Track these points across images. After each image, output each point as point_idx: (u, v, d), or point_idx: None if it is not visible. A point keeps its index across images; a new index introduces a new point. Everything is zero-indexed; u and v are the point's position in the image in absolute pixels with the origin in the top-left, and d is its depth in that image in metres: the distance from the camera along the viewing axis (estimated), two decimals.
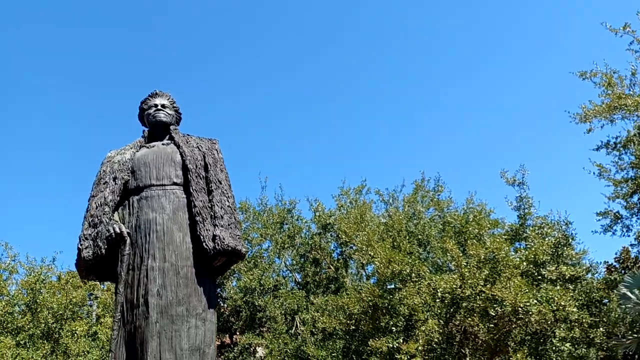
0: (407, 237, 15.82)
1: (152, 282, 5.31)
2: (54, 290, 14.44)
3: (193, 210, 5.70)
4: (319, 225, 21.60)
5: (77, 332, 13.53)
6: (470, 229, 14.85)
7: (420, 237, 16.51)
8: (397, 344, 12.57)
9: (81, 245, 5.46)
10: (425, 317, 12.82)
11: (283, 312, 19.13)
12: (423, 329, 12.59)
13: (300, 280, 21.90)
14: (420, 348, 12.40)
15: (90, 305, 15.30)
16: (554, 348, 11.44)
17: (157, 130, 6.42)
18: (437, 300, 13.08)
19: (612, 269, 21.39)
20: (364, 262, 16.68)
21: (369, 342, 12.64)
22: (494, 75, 57.59)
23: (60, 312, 13.87)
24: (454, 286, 12.66)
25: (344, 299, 14.09)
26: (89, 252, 5.42)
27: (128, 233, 5.50)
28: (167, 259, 5.44)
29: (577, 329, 11.68)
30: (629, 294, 21.60)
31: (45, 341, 13.41)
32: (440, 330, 12.71)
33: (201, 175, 5.96)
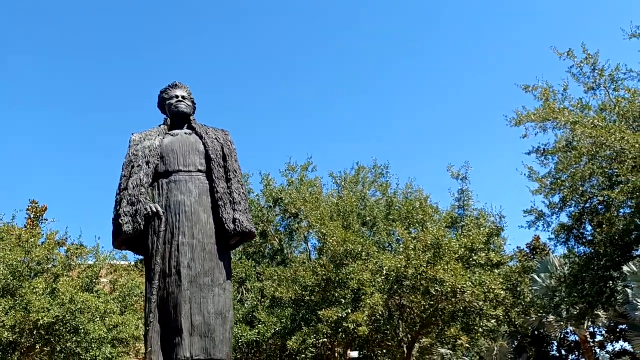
0: (356, 218, 17.22)
1: (183, 255, 6.22)
2: (11, 246, 14.65)
3: (215, 195, 6.62)
4: (269, 199, 22.60)
5: (37, 288, 13.90)
6: (414, 214, 16.46)
7: (368, 218, 17.97)
8: (345, 314, 14.02)
9: (121, 220, 6.25)
10: (372, 291, 14.32)
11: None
12: (368, 301, 14.10)
13: (247, 250, 22.90)
14: (365, 318, 13.92)
15: (51, 265, 15.60)
16: (481, 324, 13.31)
17: (177, 120, 7.20)
18: (382, 276, 14.61)
19: (524, 254, 23.97)
20: (316, 238, 17.93)
21: (321, 312, 13.97)
22: (451, 79, 60.52)
23: (19, 268, 14.16)
24: (399, 265, 14.22)
25: (300, 271, 15.32)
26: (129, 226, 6.23)
27: (163, 212, 6.34)
28: (195, 236, 6.36)
29: (500, 308, 13.59)
30: (536, 277, 24.52)
31: (3, 297, 13.71)
32: (383, 304, 14.27)
33: (221, 164, 6.87)
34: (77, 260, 16.19)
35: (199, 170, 6.75)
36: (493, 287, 12.87)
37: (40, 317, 13.25)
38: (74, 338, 13.87)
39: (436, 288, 12.89)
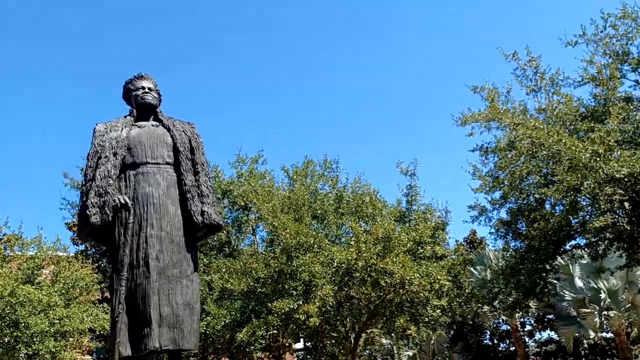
0: (308, 211, 17.49)
1: (152, 247, 6.25)
2: None
3: (183, 188, 6.67)
4: (218, 190, 22.44)
5: None
6: (364, 208, 16.92)
7: (319, 212, 18.28)
8: (296, 305, 14.27)
9: (89, 211, 6.18)
10: (322, 283, 14.65)
11: None
12: (319, 293, 14.42)
13: None
14: (316, 310, 14.23)
15: None
16: (427, 314, 13.94)
17: (144, 111, 7.16)
18: (333, 269, 14.97)
19: (462, 247, 24.98)
20: (266, 231, 18.06)
21: (274, 303, 14.16)
22: (403, 79, 61.80)
23: None
24: (349, 258, 14.62)
25: (253, 263, 15.42)
26: (97, 218, 6.18)
27: (131, 204, 6.33)
28: (164, 228, 6.39)
29: (444, 299, 14.28)
30: (473, 270, 25.71)
31: None
32: (334, 295, 14.64)
33: (189, 157, 6.92)
34: (17, 251, 15.53)
35: (167, 163, 6.76)
36: (439, 278, 13.50)
37: None
38: (15, 333, 13.35)
39: (386, 280, 13.37)
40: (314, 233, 15.26)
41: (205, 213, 6.58)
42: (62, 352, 14.00)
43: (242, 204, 20.93)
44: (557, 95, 16.11)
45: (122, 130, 6.80)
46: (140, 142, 6.74)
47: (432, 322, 14.37)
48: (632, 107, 14.92)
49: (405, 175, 17.67)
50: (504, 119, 15.20)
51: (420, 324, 14.14)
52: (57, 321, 14.08)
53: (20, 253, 15.64)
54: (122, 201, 6.26)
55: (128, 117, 7.10)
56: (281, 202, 17.39)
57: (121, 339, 5.91)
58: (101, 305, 16.91)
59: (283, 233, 15.23)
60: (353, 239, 14.47)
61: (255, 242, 22.19)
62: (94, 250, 24.43)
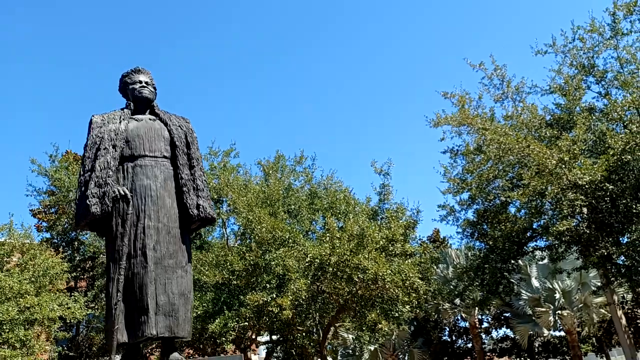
0: (282, 206, 17.75)
1: (149, 237, 6.44)
2: None
3: (180, 181, 6.88)
4: None
5: None
6: (338, 205, 17.30)
7: (293, 207, 18.57)
8: (270, 298, 14.56)
9: (89, 201, 6.31)
10: (296, 277, 14.96)
11: None
12: (293, 287, 14.73)
13: None
14: (289, 303, 14.54)
15: None
16: (397, 309, 14.44)
17: (140, 105, 7.30)
18: (307, 263, 15.29)
19: (425, 245, 25.77)
20: (238, 224, 18.22)
21: (248, 296, 14.40)
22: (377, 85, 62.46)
23: None
24: (323, 253, 14.96)
25: (228, 256, 15.59)
26: (97, 208, 6.32)
27: (131, 195, 6.49)
28: (161, 220, 6.58)
29: (413, 295, 14.81)
30: (436, 268, 26.50)
31: None
32: (307, 289, 14.97)
33: (185, 152, 7.12)
34: None
35: (164, 157, 6.94)
36: (411, 275, 14.01)
37: None
38: None
39: (359, 275, 13.78)
40: (289, 228, 15.54)
41: (201, 206, 6.81)
42: (32, 340, 13.89)
43: (214, 196, 21.01)
44: (522, 103, 16.89)
45: (120, 122, 6.94)
46: (139, 135, 6.89)
47: (401, 318, 14.89)
48: (594, 117, 15.81)
49: (379, 175, 18.15)
50: (474, 123, 15.85)
51: (391, 319, 14.64)
52: (27, 309, 13.95)
53: None
54: (122, 192, 6.42)
55: (125, 110, 7.22)
56: (256, 196, 17.60)
57: (119, 325, 6.08)
58: (70, 294, 16.77)
59: (258, 227, 15.46)
60: (328, 234, 14.82)
61: (226, 235, 22.31)
62: (58, 238, 24.10)
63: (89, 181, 6.47)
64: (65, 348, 19.80)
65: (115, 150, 6.68)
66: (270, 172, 20.21)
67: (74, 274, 21.89)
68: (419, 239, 20.97)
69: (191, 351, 20.27)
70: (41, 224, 24.68)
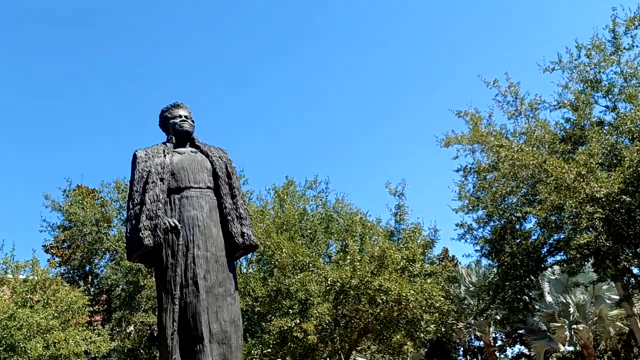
0: (298, 231, 17.89)
1: (199, 267, 6.58)
2: None
3: (224, 210, 7.05)
4: None
5: None
6: (353, 227, 17.44)
7: (309, 231, 18.70)
8: (294, 324, 14.59)
9: (142, 234, 6.47)
10: (318, 301, 15.01)
11: None
12: (316, 311, 14.77)
13: None
14: (312, 328, 14.57)
15: None
16: (422, 329, 14.47)
17: (181, 138, 7.51)
18: (327, 287, 15.36)
19: (444, 264, 25.80)
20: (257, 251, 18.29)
21: (273, 322, 14.43)
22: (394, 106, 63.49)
23: None
24: (344, 276, 15.05)
25: (251, 282, 15.67)
26: (149, 240, 6.47)
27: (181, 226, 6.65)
28: (209, 249, 6.74)
29: (436, 314, 14.85)
30: (446, 286, 26.44)
31: None
32: (329, 313, 15.02)
33: (226, 182, 7.31)
34: (8, 275, 15.34)
35: (208, 187, 7.13)
36: (434, 294, 14.09)
37: None
38: (15, 357, 13.16)
39: (382, 297, 13.86)
40: (308, 252, 15.66)
41: (245, 234, 6.97)
42: None
43: None
44: (534, 119, 17.18)
45: (164, 156, 7.14)
46: (184, 168, 7.09)
47: (425, 338, 14.91)
48: (604, 131, 16.09)
49: (393, 196, 18.36)
50: (487, 141, 16.11)
51: (416, 340, 14.66)
52: (54, 345, 13.96)
53: (11, 276, 15.43)
54: (172, 224, 6.58)
55: (168, 144, 7.42)
56: (272, 222, 17.75)
57: (176, 355, 6.18)
58: (92, 328, 16.80)
59: (278, 252, 15.57)
60: (348, 257, 14.93)
61: (239, 262, 22.36)
62: (73, 273, 24.14)
63: (139, 214, 6.63)
64: None
65: (163, 183, 6.87)
66: (286, 197, 20.40)
67: (90, 308, 21.88)
68: (436, 258, 21.08)
69: None
70: (54, 258, 24.73)
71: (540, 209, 14.06)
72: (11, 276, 15.52)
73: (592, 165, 13.34)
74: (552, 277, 27.00)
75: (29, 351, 13.21)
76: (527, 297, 16.49)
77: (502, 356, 37.09)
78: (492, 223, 17.07)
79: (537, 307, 26.67)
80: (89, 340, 15.23)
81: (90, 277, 23.64)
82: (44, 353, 13.68)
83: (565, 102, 16.75)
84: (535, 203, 15.43)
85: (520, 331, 32.76)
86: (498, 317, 17.95)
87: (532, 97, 17.39)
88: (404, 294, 13.51)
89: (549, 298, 27.34)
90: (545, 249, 16.79)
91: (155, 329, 19.50)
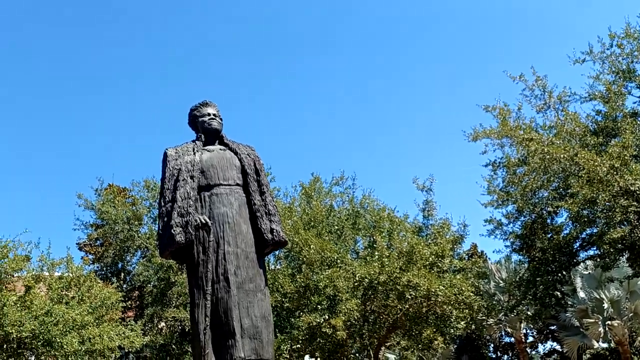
0: (326, 227, 17.95)
1: (230, 263, 6.67)
2: None
3: (253, 207, 7.13)
4: None
5: (7, 302, 13.51)
6: (381, 223, 17.41)
7: (336, 227, 18.73)
8: (323, 320, 14.67)
9: (174, 231, 6.60)
10: (346, 297, 15.05)
11: None
12: (344, 307, 14.82)
13: None
14: (341, 323, 14.62)
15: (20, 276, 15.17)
16: (452, 325, 14.38)
17: (210, 136, 7.61)
18: (355, 283, 15.38)
19: (474, 260, 25.53)
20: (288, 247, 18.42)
21: (302, 317, 14.53)
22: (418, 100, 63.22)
23: None
24: (372, 272, 15.04)
25: (280, 278, 15.80)
26: (181, 237, 6.60)
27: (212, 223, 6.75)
28: (239, 245, 6.82)
29: (466, 311, 14.73)
30: (475, 283, 26.19)
31: None
32: (358, 309, 15.04)
33: (255, 179, 7.38)
34: (44, 272, 15.82)
35: (237, 184, 7.21)
36: (463, 289, 13.98)
37: (14, 332, 12.91)
38: (52, 352, 13.59)
39: (411, 292, 13.81)
40: (336, 248, 15.70)
41: (275, 230, 7.04)
42: None
43: None
44: (564, 112, 16.82)
45: (194, 154, 7.25)
46: (213, 165, 7.18)
47: (455, 334, 14.80)
48: (638, 122, 15.66)
49: (421, 191, 18.24)
50: (516, 135, 15.86)
51: (446, 336, 14.58)
52: (89, 340, 14.34)
53: (47, 273, 15.91)
54: (203, 221, 6.69)
55: (197, 142, 7.53)
56: (300, 219, 17.83)
57: (208, 350, 6.29)
58: (125, 323, 17.20)
59: (306, 249, 15.65)
60: (377, 253, 14.91)
61: (267, 258, 22.53)
62: (106, 270, 24.71)
63: (171, 212, 6.75)
64: None
65: (193, 181, 6.98)
66: (312, 193, 20.47)
67: (123, 304, 22.39)
68: (465, 253, 20.87)
69: None
70: (87, 256, 25.35)
71: (572, 202, 13.78)
72: (47, 273, 15.99)
73: (625, 157, 13.01)
74: (585, 273, 26.44)
75: (65, 346, 13.60)
76: (559, 293, 16.21)
77: (533, 353, 36.53)
78: (522, 218, 16.80)
79: (569, 302, 26.17)
80: (123, 335, 15.60)
81: (122, 274, 24.16)
82: (80, 348, 14.05)
83: (596, 93, 16.35)
84: (566, 197, 15.14)
85: (552, 327, 32.19)
86: (529, 313, 17.70)
87: (561, 89, 17.02)
88: (433, 290, 13.44)
89: (581, 294, 26.78)
90: (577, 244, 16.47)
91: (187, 324, 19.85)
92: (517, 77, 16.72)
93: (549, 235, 16.22)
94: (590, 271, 25.89)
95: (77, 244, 26.26)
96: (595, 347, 29.58)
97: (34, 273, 15.38)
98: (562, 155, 14.23)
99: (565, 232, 15.91)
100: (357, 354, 17.13)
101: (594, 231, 14.89)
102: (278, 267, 20.82)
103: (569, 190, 14.73)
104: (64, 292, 15.53)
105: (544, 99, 16.84)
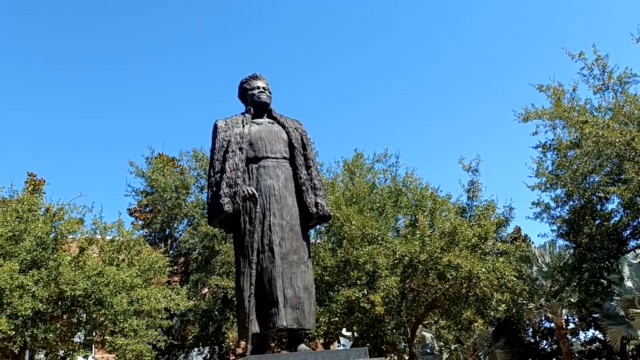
0: (367, 204, 17.99)
1: (275, 234, 6.83)
2: (38, 219, 14.97)
3: (299, 181, 7.24)
4: None
5: (62, 261, 14.25)
6: (424, 202, 17.30)
7: (378, 205, 18.74)
8: (361, 295, 14.84)
9: (222, 200, 6.80)
10: (386, 274, 15.14)
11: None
12: (383, 284, 14.92)
13: None
14: (380, 299, 14.75)
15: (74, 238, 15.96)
16: (493, 307, 14.28)
17: (259, 109, 7.72)
18: (395, 260, 15.43)
19: (518, 244, 25.05)
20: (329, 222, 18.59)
21: (341, 292, 14.74)
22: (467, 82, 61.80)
23: (47, 241, 14.50)
24: (412, 251, 15.04)
25: (321, 252, 16.02)
26: (229, 207, 6.79)
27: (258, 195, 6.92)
28: (284, 218, 6.97)
29: (507, 294, 14.58)
30: (518, 267, 25.71)
31: (32, 269, 14.05)
32: (397, 286, 15.12)
33: (302, 153, 7.47)
34: (97, 235, 16.58)
35: (284, 158, 7.32)
36: (506, 273, 13.82)
37: (68, 290, 13.65)
38: (102, 310, 14.34)
39: (452, 273, 13.76)
40: (377, 225, 15.75)
41: (319, 204, 7.13)
42: (143, 329, 14.96)
43: None
44: (623, 94, 16.12)
45: (243, 126, 7.39)
46: (261, 138, 7.31)
47: (495, 317, 14.70)
48: None
49: (467, 172, 17.96)
50: (570, 116, 15.35)
51: (486, 318, 14.50)
52: (137, 300, 15.03)
53: (99, 236, 16.67)
54: (250, 192, 6.85)
55: (246, 115, 7.66)
56: (342, 195, 17.92)
57: (252, 317, 6.51)
58: (171, 286, 17.91)
59: (348, 225, 15.76)
60: (418, 232, 14.87)
61: (312, 233, 22.83)
62: (154, 236, 25.62)
63: (220, 182, 6.94)
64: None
65: (242, 153, 7.13)
66: (355, 170, 20.48)
67: (169, 268, 23.23)
68: (508, 236, 20.54)
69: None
70: (137, 221, 26.31)
71: (626, 189, 13.32)
72: (99, 236, 16.74)
73: None
74: (634, 262, 25.57)
75: (115, 305, 14.29)
76: (605, 281, 15.78)
77: (574, 340, 35.81)
78: (570, 202, 16.38)
79: (615, 291, 25.45)
80: (169, 298, 16.25)
81: (169, 240, 24.98)
82: (129, 308, 14.75)
83: None
84: (619, 183, 14.64)
85: (595, 315, 31.37)
86: (572, 300, 17.33)
87: (622, 70, 16.27)
88: (475, 272, 13.33)
89: (629, 283, 25.89)
90: (628, 232, 15.97)
91: (229, 292, 20.44)
92: (577, 55, 16.08)
93: (597, 222, 15.75)
94: (639, 260, 25.05)
95: (127, 209, 27.27)
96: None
97: (87, 235, 16.14)
98: (617, 139, 13.72)
99: (615, 218, 15.41)
100: (393, 330, 17.27)
101: None
102: (319, 241, 21.08)
103: (623, 176, 14.22)
104: (114, 255, 16.26)
105: (602, 80, 16.18)
